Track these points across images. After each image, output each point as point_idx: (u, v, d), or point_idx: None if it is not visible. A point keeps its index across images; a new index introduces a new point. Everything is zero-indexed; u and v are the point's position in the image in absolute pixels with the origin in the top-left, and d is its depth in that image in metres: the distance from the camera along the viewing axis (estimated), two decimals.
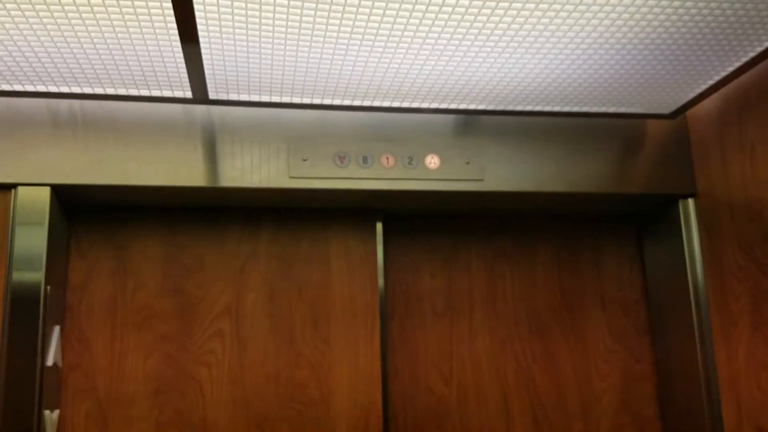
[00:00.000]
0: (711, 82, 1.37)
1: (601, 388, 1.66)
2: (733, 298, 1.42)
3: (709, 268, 1.50)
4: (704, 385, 1.48)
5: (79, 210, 1.51)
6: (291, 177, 1.43)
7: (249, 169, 1.42)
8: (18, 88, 1.31)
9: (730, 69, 1.31)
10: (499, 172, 1.49)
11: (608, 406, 1.65)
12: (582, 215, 1.75)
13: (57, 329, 1.39)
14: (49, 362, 1.33)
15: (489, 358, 1.64)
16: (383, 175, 1.46)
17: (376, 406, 1.50)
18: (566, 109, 1.47)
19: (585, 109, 1.47)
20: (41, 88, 1.32)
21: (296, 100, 1.40)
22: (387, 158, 1.47)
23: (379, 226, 1.61)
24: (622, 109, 1.48)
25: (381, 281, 1.57)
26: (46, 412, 1.32)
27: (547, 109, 1.47)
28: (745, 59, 1.27)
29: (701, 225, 1.53)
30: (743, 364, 1.40)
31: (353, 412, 1.49)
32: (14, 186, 1.35)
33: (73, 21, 1.07)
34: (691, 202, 1.55)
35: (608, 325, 1.69)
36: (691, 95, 1.43)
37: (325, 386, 1.51)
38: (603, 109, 1.48)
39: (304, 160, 1.45)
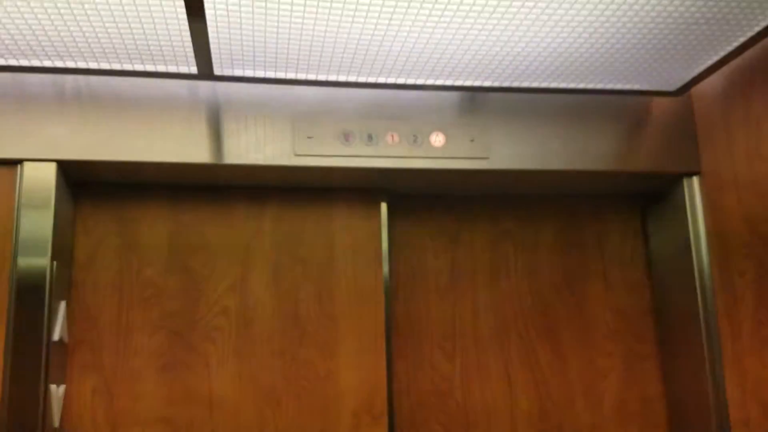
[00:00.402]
0: (716, 58, 1.37)
1: (604, 367, 1.66)
2: (738, 274, 1.42)
3: (714, 245, 1.50)
4: (708, 363, 1.48)
5: (85, 187, 1.51)
6: (296, 155, 1.43)
7: (254, 147, 1.42)
8: (24, 63, 1.31)
9: (735, 44, 1.31)
10: (504, 150, 1.49)
11: (612, 384, 1.65)
12: (586, 194, 1.75)
13: (63, 305, 1.39)
14: (55, 337, 1.34)
15: (492, 337, 1.64)
16: (388, 153, 1.46)
17: (381, 384, 1.51)
18: (572, 85, 1.47)
19: (590, 85, 1.47)
20: (47, 63, 1.32)
21: (301, 76, 1.40)
22: (392, 136, 1.47)
23: (383, 204, 1.61)
24: (627, 86, 1.48)
25: (385, 260, 1.58)
26: (53, 387, 1.33)
27: (553, 85, 1.47)
28: (750, 33, 1.26)
29: (706, 203, 1.53)
30: (748, 340, 1.40)
31: (358, 389, 1.50)
32: (20, 161, 1.35)
33: None
34: (695, 180, 1.55)
35: (611, 304, 1.70)
36: (696, 71, 1.43)
37: (331, 363, 1.51)
38: (608, 86, 1.48)
39: (309, 138, 1.45)
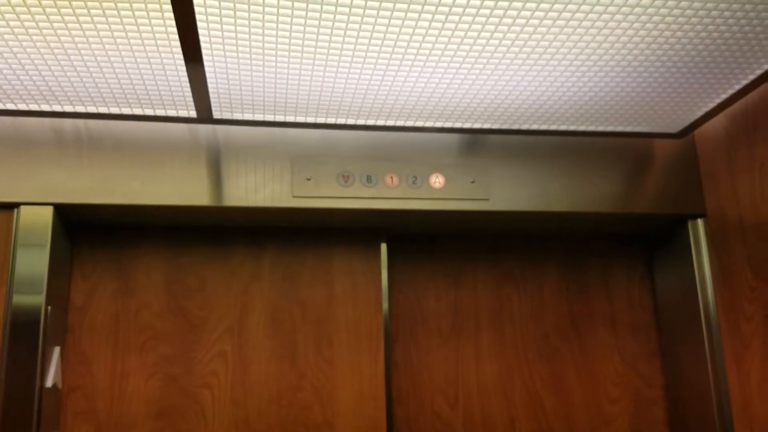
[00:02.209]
0: (718, 101, 1.36)
1: (611, 413, 1.62)
2: (745, 319, 1.39)
3: (720, 289, 1.48)
4: (717, 409, 1.44)
5: (82, 230, 1.51)
6: (294, 196, 1.42)
7: (253, 189, 1.41)
8: (22, 107, 1.32)
9: (737, 87, 1.30)
10: (504, 192, 1.48)
11: (618, 431, 1.61)
12: (590, 235, 1.73)
13: (57, 350, 1.37)
14: (49, 383, 1.31)
15: (496, 382, 1.60)
16: (387, 194, 1.45)
17: (381, 430, 1.47)
18: (572, 128, 1.46)
19: (591, 128, 1.46)
20: (45, 108, 1.32)
21: (300, 119, 1.40)
22: (391, 177, 1.46)
23: (383, 246, 1.59)
24: (629, 128, 1.47)
25: (385, 302, 1.55)
26: None
27: (553, 128, 1.46)
28: (752, 77, 1.25)
29: (711, 245, 1.51)
30: (756, 386, 1.36)
31: None
32: (17, 205, 1.34)
33: (77, 40, 1.07)
34: (700, 222, 1.53)
35: (618, 347, 1.66)
36: (698, 114, 1.42)
37: (329, 409, 1.48)
38: (609, 128, 1.47)
39: (308, 180, 1.44)
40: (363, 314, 1.54)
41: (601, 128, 1.47)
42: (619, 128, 1.47)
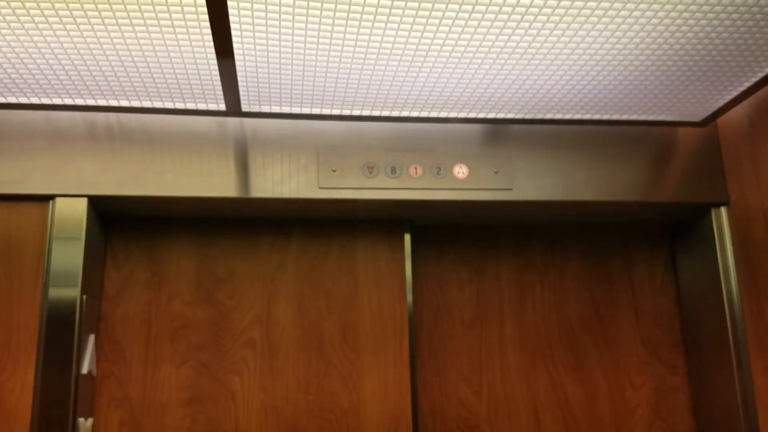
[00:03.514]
0: (741, 89, 1.36)
1: (634, 400, 1.63)
2: None
3: (744, 276, 1.48)
4: (740, 397, 1.45)
5: (115, 221, 1.54)
6: (320, 188, 1.45)
7: (279, 181, 1.44)
8: (56, 101, 1.35)
9: (761, 75, 1.30)
10: (528, 181, 1.49)
11: (642, 419, 1.62)
12: (613, 224, 1.74)
13: (92, 338, 1.41)
14: (84, 370, 1.35)
15: (519, 370, 1.62)
16: (411, 185, 1.47)
17: (406, 417, 1.50)
18: (596, 117, 1.47)
19: (615, 116, 1.47)
20: (79, 102, 1.35)
21: (326, 111, 1.42)
22: (415, 168, 1.48)
23: (407, 236, 1.61)
24: (652, 117, 1.48)
25: (409, 292, 1.58)
26: (80, 420, 1.34)
27: (577, 117, 1.47)
28: None
29: (734, 233, 1.51)
30: None
31: (383, 422, 1.49)
32: (52, 197, 1.38)
33: (112, 34, 1.10)
34: (723, 210, 1.54)
35: (641, 336, 1.67)
36: (721, 102, 1.42)
37: (355, 395, 1.51)
38: (633, 117, 1.48)
39: (333, 171, 1.47)
40: (387, 303, 1.57)
41: (624, 117, 1.48)
42: (643, 117, 1.48)
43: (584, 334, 1.66)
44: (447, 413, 1.58)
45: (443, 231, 1.70)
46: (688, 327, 1.66)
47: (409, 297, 1.58)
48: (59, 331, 1.33)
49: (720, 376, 1.52)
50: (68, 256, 1.36)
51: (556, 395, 1.62)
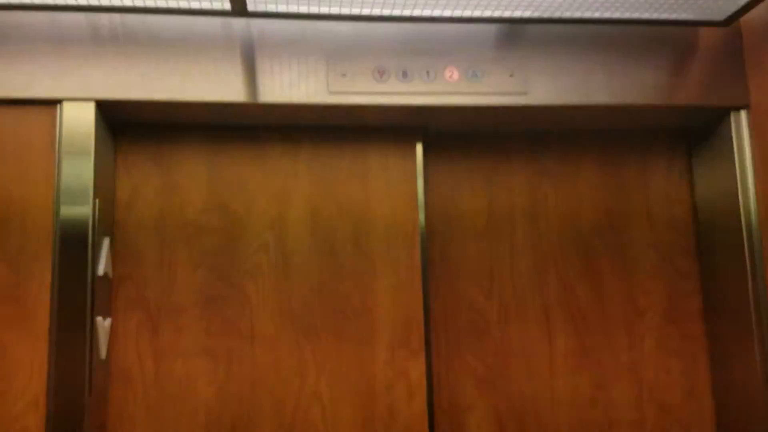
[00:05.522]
0: None
1: (645, 304, 1.64)
2: None
3: (762, 182, 1.46)
4: (753, 301, 1.45)
5: (124, 127, 1.53)
6: (330, 92, 1.42)
7: (288, 85, 1.41)
8: (59, 1, 1.31)
9: None
10: (543, 85, 1.46)
11: (652, 321, 1.64)
12: (629, 130, 1.71)
13: (107, 241, 1.43)
14: (100, 272, 1.38)
15: (530, 275, 1.63)
16: (423, 89, 1.44)
17: (418, 319, 1.52)
18: (616, 15, 1.41)
19: (635, 15, 1.42)
20: (82, 1, 1.32)
21: (334, 10, 1.37)
22: (427, 72, 1.45)
23: (418, 144, 1.59)
24: (674, 16, 1.42)
25: (421, 199, 1.57)
26: (98, 319, 1.37)
27: (596, 15, 1.41)
28: None
29: (754, 138, 1.48)
30: None
31: (396, 324, 1.52)
32: (59, 101, 1.37)
33: None
34: (743, 114, 1.50)
35: (654, 242, 1.67)
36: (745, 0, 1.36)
37: (368, 298, 1.53)
38: (654, 16, 1.42)
39: (343, 75, 1.43)
40: (399, 211, 1.57)
41: (645, 15, 1.42)
42: (663, 15, 1.42)
43: (596, 239, 1.66)
44: (458, 316, 1.61)
45: (456, 138, 1.67)
46: (702, 234, 1.65)
47: (421, 204, 1.57)
48: (74, 235, 1.34)
49: (733, 282, 1.52)
50: (79, 160, 1.36)
51: (566, 299, 1.63)
